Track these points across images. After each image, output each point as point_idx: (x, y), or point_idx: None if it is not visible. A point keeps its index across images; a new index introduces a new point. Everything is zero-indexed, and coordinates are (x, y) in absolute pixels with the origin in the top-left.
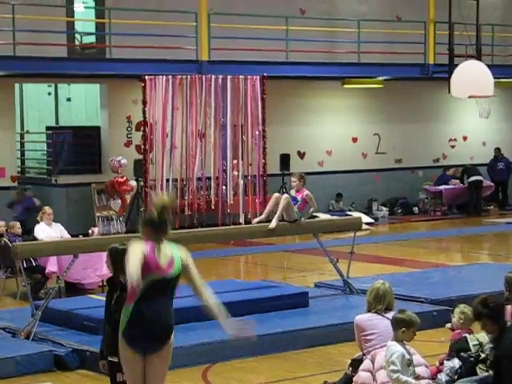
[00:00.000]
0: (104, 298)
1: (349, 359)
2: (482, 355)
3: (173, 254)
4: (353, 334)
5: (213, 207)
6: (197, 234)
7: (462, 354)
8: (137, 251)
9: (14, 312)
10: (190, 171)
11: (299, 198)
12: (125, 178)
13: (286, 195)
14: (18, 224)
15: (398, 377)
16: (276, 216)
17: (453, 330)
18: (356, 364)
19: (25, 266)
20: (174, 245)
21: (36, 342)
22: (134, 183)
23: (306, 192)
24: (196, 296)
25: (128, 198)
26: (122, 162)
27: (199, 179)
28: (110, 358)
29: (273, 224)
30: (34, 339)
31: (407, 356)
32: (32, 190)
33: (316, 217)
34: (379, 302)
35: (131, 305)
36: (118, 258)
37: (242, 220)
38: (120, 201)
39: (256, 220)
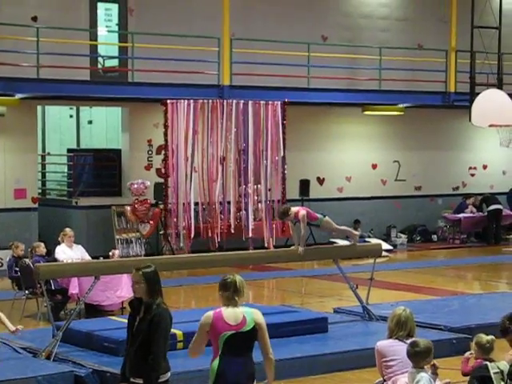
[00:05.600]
0: (124, 320)
1: None
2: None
3: (245, 313)
4: (372, 361)
5: (232, 231)
6: (215, 258)
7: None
8: (201, 330)
9: (34, 332)
10: (211, 195)
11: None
12: (147, 200)
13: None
14: (42, 244)
15: None
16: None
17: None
18: None
19: (46, 287)
20: (248, 308)
21: (57, 362)
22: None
23: (301, 212)
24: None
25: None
26: (147, 184)
27: (219, 203)
28: (132, 380)
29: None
30: (55, 359)
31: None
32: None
33: (334, 242)
34: (401, 329)
35: (217, 359)
36: (151, 281)
37: (267, 244)
38: (148, 225)
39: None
